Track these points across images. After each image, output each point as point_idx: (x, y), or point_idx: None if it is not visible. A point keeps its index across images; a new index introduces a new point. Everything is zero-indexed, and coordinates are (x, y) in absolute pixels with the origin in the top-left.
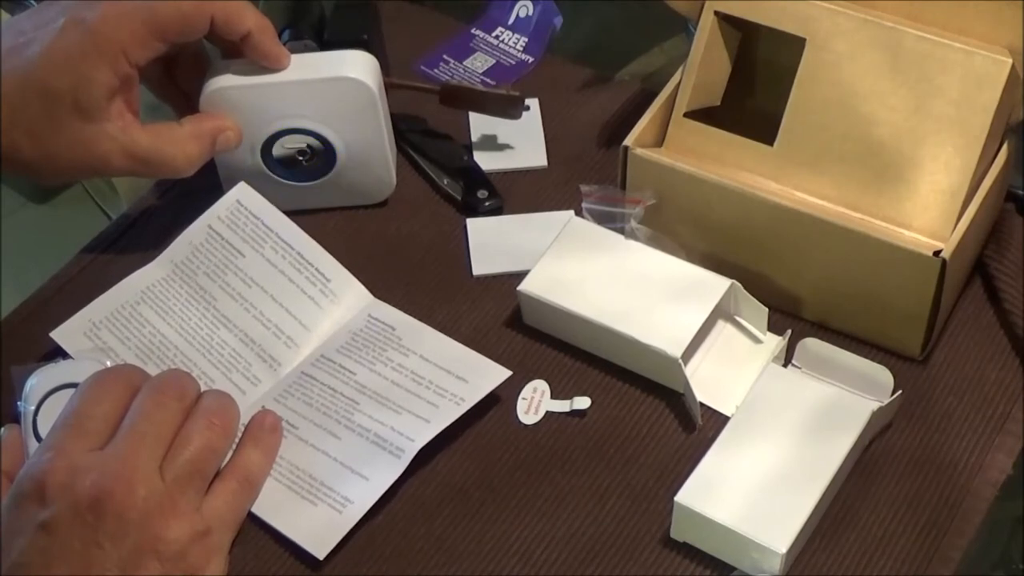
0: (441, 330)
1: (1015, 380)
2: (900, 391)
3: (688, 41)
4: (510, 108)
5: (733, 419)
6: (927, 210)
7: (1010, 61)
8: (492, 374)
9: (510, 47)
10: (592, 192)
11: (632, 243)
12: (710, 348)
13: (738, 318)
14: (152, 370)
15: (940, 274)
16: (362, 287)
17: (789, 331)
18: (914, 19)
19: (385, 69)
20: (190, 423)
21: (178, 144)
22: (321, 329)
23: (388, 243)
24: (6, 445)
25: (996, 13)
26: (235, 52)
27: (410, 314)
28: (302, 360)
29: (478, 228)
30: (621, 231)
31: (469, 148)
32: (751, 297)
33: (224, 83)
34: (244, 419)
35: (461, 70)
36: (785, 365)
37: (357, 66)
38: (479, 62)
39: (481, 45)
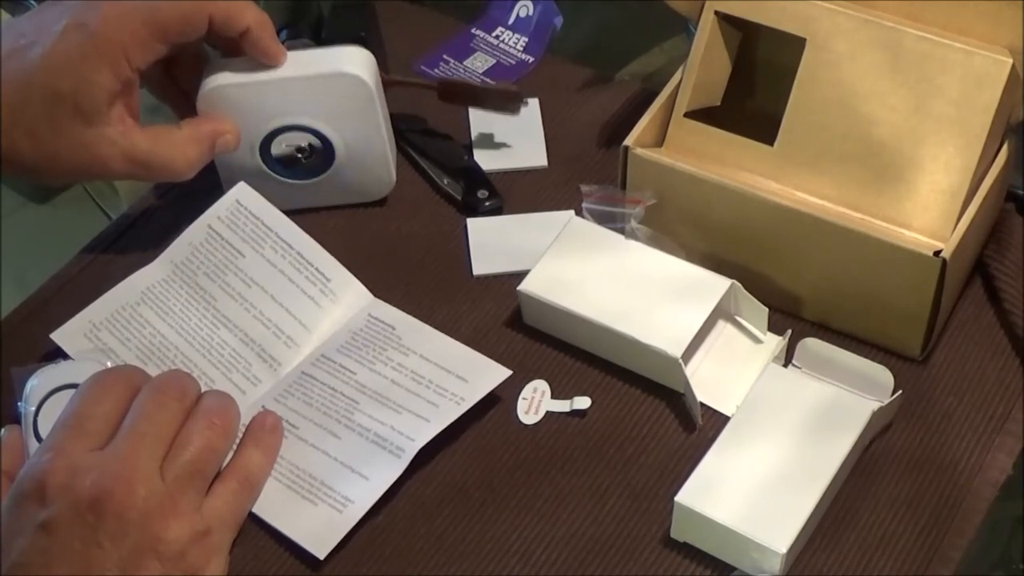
0: (441, 330)
1: (1015, 380)
2: (900, 391)
3: (688, 41)
4: (509, 103)
5: (733, 419)
6: (927, 210)
7: (1010, 61)
8: (492, 373)
9: (510, 47)
10: (592, 192)
11: (632, 243)
12: (710, 348)
13: (738, 318)
14: (152, 371)
15: (940, 274)
16: (362, 287)
17: (789, 331)
18: (914, 19)
19: (384, 67)
20: (191, 423)
21: (177, 147)
22: (321, 329)
23: (388, 243)
24: (6, 446)
25: (996, 13)
26: (233, 51)
27: (410, 314)
28: (302, 360)
29: (478, 228)
30: (621, 231)
31: (469, 148)
32: (751, 297)
33: (221, 81)
34: (244, 419)
35: (461, 70)
36: (785, 365)
37: (353, 61)
38: (479, 62)
39: (481, 45)
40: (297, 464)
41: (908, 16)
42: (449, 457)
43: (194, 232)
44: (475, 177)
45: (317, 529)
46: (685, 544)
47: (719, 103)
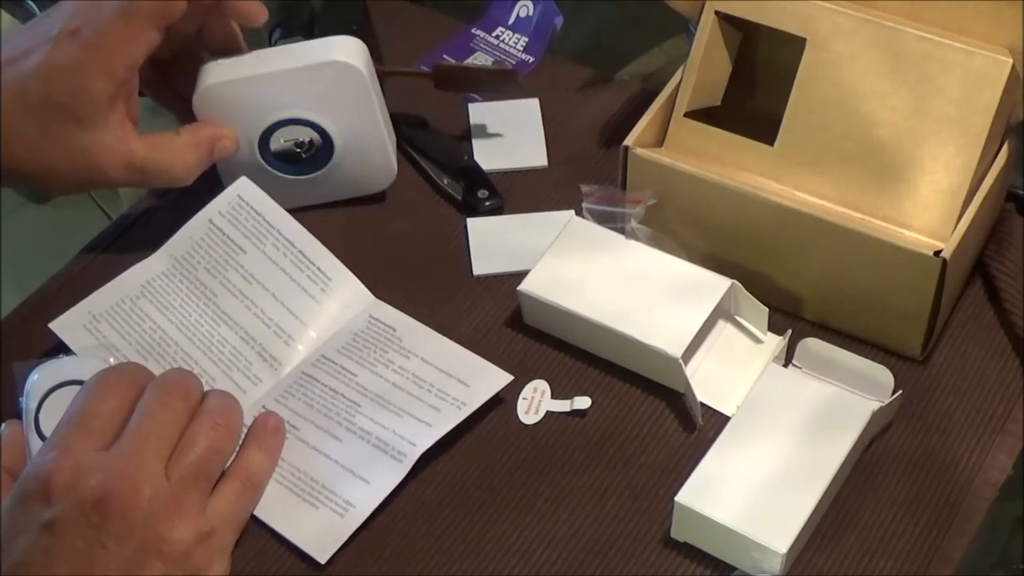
0: (441, 330)
1: (1015, 380)
2: (900, 391)
3: (688, 41)
4: (504, 83)
5: (733, 419)
6: (927, 210)
7: (1010, 61)
8: (494, 378)
9: (510, 47)
10: (592, 192)
11: (632, 243)
12: (710, 348)
13: (738, 318)
14: (153, 367)
15: (940, 274)
16: (363, 287)
17: (789, 331)
18: (914, 19)
19: (379, 60)
20: (195, 424)
21: (176, 153)
22: (321, 329)
23: (388, 243)
24: (7, 442)
25: (996, 13)
26: (223, 49)
27: (410, 314)
28: (302, 360)
29: (478, 228)
30: (621, 231)
31: (469, 148)
32: (751, 297)
33: (215, 79)
34: (246, 419)
35: None
36: (785, 365)
37: (345, 50)
38: (479, 62)
39: (481, 45)
40: (298, 466)
41: (908, 16)
42: (449, 457)
43: (195, 226)
44: (475, 177)
45: (318, 533)
46: (685, 544)
47: (719, 103)
